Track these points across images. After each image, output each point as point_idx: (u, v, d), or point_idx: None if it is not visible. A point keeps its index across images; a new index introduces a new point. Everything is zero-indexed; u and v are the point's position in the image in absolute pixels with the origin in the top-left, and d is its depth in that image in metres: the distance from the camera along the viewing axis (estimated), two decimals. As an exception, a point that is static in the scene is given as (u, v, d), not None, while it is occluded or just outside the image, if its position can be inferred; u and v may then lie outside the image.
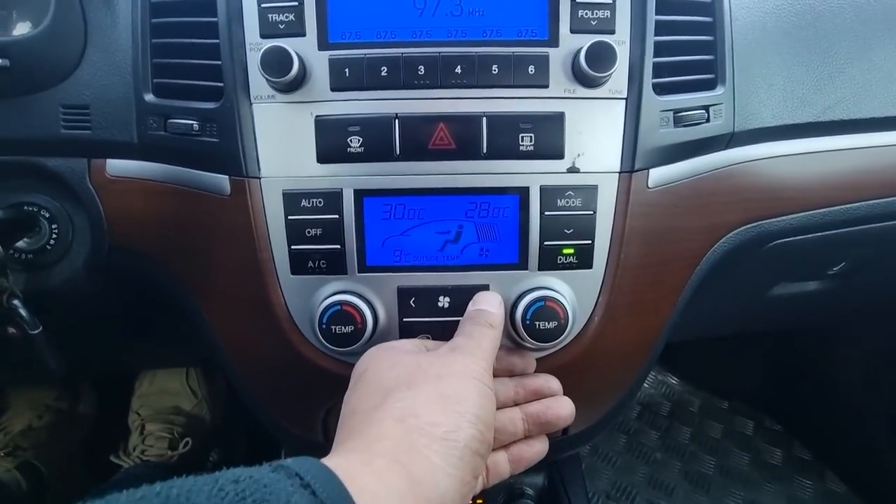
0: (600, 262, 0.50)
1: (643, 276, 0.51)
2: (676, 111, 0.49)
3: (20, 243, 0.54)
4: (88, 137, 0.51)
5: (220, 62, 0.47)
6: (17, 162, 0.53)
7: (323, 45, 0.46)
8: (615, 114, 0.48)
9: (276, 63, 0.44)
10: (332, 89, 0.46)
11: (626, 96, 0.48)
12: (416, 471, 0.33)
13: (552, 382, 0.49)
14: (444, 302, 0.49)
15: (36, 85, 0.50)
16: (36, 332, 0.53)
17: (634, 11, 0.47)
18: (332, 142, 0.46)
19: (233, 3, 0.46)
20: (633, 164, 0.48)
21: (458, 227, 0.49)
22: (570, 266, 0.49)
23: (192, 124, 0.48)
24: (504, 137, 0.47)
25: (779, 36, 0.55)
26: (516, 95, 0.47)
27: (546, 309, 0.48)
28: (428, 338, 0.49)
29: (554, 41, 0.47)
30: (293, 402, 0.59)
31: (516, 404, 0.48)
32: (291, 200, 0.47)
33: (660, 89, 0.49)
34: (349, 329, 0.48)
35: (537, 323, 0.48)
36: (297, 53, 0.44)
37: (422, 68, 0.46)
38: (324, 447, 0.59)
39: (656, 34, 0.48)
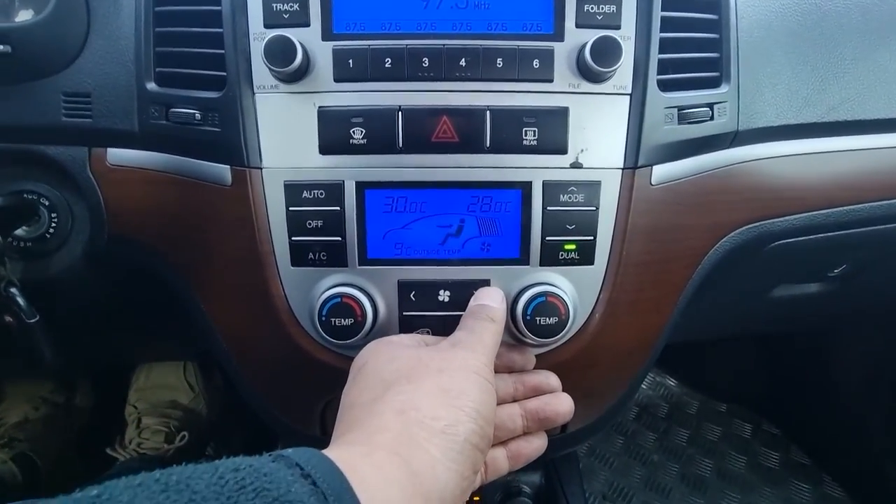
0: (602, 259, 0.49)
1: (645, 274, 0.51)
2: (681, 108, 0.49)
3: (19, 231, 0.54)
4: (89, 126, 0.50)
5: (223, 51, 0.47)
6: (17, 149, 0.52)
7: (327, 35, 0.46)
8: (619, 110, 0.48)
9: (279, 53, 0.43)
10: (336, 80, 0.46)
11: (630, 92, 0.48)
12: (415, 463, 0.32)
13: (551, 379, 0.49)
14: (444, 296, 0.49)
15: (37, 72, 0.50)
16: (33, 321, 0.52)
17: (640, 7, 0.47)
18: (334, 133, 0.46)
19: (237, -8, 0.46)
20: (636, 160, 0.48)
21: (460, 221, 0.48)
22: (571, 262, 0.49)
23: (194, 114, 0.48)
24: (507, 131, 0.46)
25: (784, 35, 0.55)
26: (520, 89, 0.47)
27: (547, 304, 0.48)
28: (428, 332, 0.49)
29: (559, 35, 0.46)
30: (291, 395, 0.59)
31: (515, 400, 0.48)
32: (293, 191, 0.47)
33: (664, 86, 0.48)
34: (349, 322, 0.47)
35: (538, 318, 0.48)
36: (300, 43, 0.44)
37: (426, 60, 0.46)
38: (321, 441, 0.59)
39: (662, 30, 0.48)
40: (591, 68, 0.45)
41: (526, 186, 0.47)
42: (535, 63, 0.46)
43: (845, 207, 0.58)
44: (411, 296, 0.49)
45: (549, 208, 0.48)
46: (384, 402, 0.36)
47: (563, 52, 0.46)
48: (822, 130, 0.56)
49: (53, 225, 0.54)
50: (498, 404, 0.44)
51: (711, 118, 0.51)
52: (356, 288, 0.48)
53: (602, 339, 0.52)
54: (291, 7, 0.45)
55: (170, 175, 0.51)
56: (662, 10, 0.48)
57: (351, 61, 0.46)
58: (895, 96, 0.57)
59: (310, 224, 0.47)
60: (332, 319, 0.47)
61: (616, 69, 0.45)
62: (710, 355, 1.33)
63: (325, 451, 0.31)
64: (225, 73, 0.47)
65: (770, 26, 0.54)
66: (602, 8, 0.46)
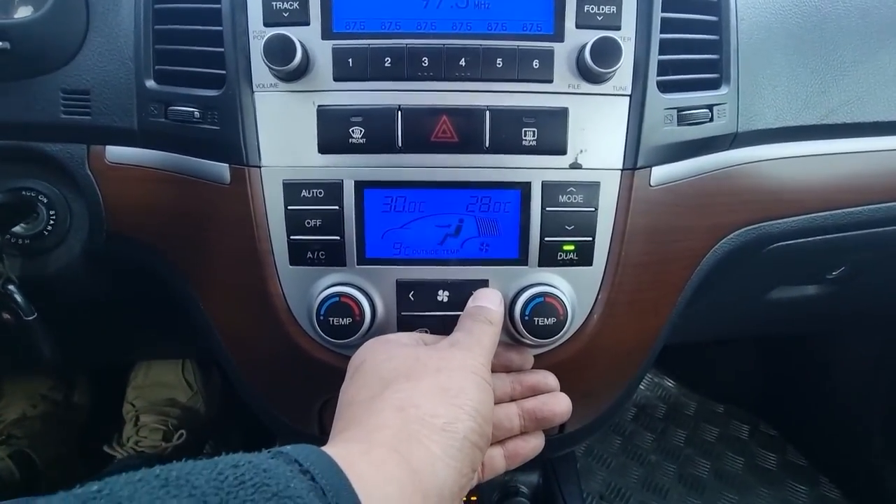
0: (601, 260, 0.49)
1: (643, 275, 0.51)
2: (680, 109, 0.49)
3: (17, 228, 0.53)
4: (88, 123, 0.50)
5: (222, 49, 0.47)
6: (15, 146, 0.52)
7: (327, 34, 0.46)
8: (619, 110, 0.48)
9: (278, 51, 0.43)
10: (335, 79, 0.46)
11: (630, 93, 0.47)
12: (415, 460, 0.32)
13: (549, 379, 0.49)
14: (442, 296, 0.49)
15: (36, 69, 0.50)
16: (31, 318, 0.52)
17: (640, 8, 0.47)
18: (333, 132, 0.46)
19: (237, -9, 0.46)
20: (635, 161, 0.48)
21: (459, 221, 0.48)
22: (570, 263, 0.49)
23: (193, 112, 0.48)
24: (507, 132, 0.46)
25: (784, 37, 0.55)
26: (520, 90, 0.47)
27: (545, 305, 0.48)
28: (426, 331, 0.49)
29: (559, 36, 0.46)
30: (289, 394, 0.59)
31: (513, 400, 0.48)
32: (291, 190, 0.47)
33: (664, 87, 0.48)
34: (347, 321, 0.47)
35: (536, 319, 0.48)
36: (300, 42, 0.44)
37: (426, 60, 0.46)
38: (319, 440, 0.59)
39: (662, 31, 0.48)
40: (590, 69, 0.45)
41: (525, 187, 0.47)
42: (535, 63, 0.46)
43: (844, 210, 0.58)
44: (410, 296, 0.49)
45: (547, 209, 0.48)
46: (383, 400, 0.36)
47: (562, 52, 0.46)
48: (822, 132, 0.56)
49: (52, 222, 0.54)
50: (495, 403, 0.44)
51: (711, 120, 0.51)
52: (354, 287, 0.48)
53: (600, 340, 0.52)
54: (291, 5, 0.45)
55: (168, 173, 0.51)
56: (663, 12, 0.47)
57: (350, 60, 0.46)
58: (895, 99, 0.57)
59: (308, 223, 0.47)
60: (331, 319, 0.47)
61: (616, 70, 0.45)
62: (708, 356, 1.33)
63: (324, 448, 0.31)
64: (224, 72, 0.47)
65: (770, 28, 0.54)
66: (602, 9, 0.46)
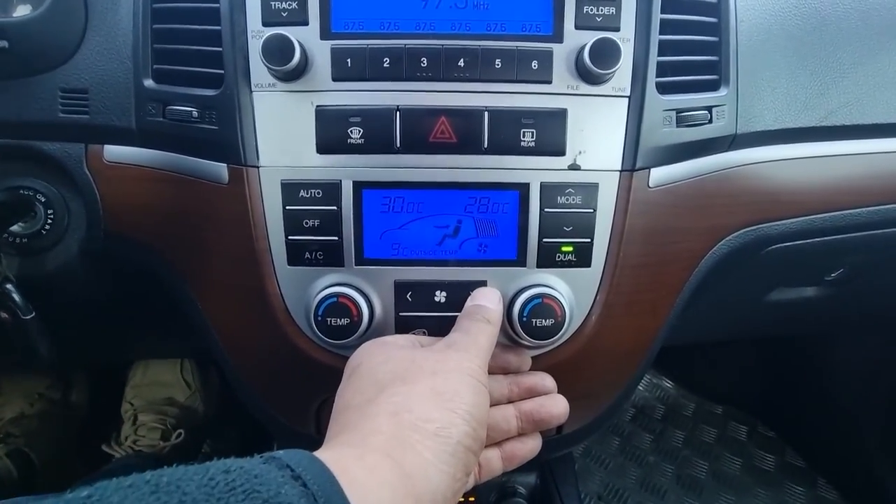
0: (599, 261, 0.49)
1: (642, 276, 0.51)
2: (679, 111, 0.49)
3: (15, 227, 0.53)
4: (86, 122, 0.50)
5: (221, 49, 0.47)
6: (13, 145, 0.52)
7: (325, 34, 0.46)
8: (618, 112, 0.47)
9: (277, 51, 0.43)
10: (334, 79, 0.46)
11: (629, 94, 0.47)
12: (408, 466, 0.32)
13: (547, 380, 0.49)
14: (440, 297, 0.49)
15: (35, 68, 0.50)
16: (28, 317, 0.52)
17: (640, 9, 0.47)
18: (332, 132, 0.46)
19: (235, -10, 0.46)
20: (634, 162, 0.48)
21: (457, 222, 0.48)
22: (568, 264, 0.49)
23: (192, 111, 0.48)
24: (505, 133, 0.46)
25: (784, 39, 0.55)
26: (519, 90, 0.47)
27: (543, 306, 0.48)
28: (424, 333, 0.49)
29: (558, 37, 0.46)
30: (286, 394, 0.59)
31: (510, 402, 0.48)
32: (290, 191, 0.47)
33: (663, 88, 0.48)
34: (345, 321, 0.47)
35: (534, 320, 0.48)
36: (298, 42, 0.44)
37: (424, 60, 0.46)
38: (316, 440, 0.59)
39: (661, 33, 0.48)
40: (589, 70, 0.45)
41: (523, 188, 0.47)
42: (534, 64, 0.46)
43: (843, 212, 0.58)
44: (408, 296, 0.49)
45: (546, 210, 0.48)
46: (378, 405, 0.36)
47: (562, 53, 0.46)
48: (821, 134, 0.56)
49: (49, 221, 0.54)
50: (492, 405, 0.44)
51: (710, 121, 0.51)
52: (352, 288, 0.48)
53: (598, 342, 0.52)
54: (290, 5, 0.45)
55: (167, 172, 0.51)
56: (662, 13, 0.47)
57: (349, 60, 0.46)
58: (894, 101, 0.57)
59: (306, 223, 0.47)
60: (328, 319, 0.47)
61: (615, 71, 0.45)
62: (706, 358, 1.33)
63: (318, 453, 0.31)
64: (223, 71, 0.47)
65: (769, 30, 0.54)
66: (601, 9, 0.46)
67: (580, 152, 0.47)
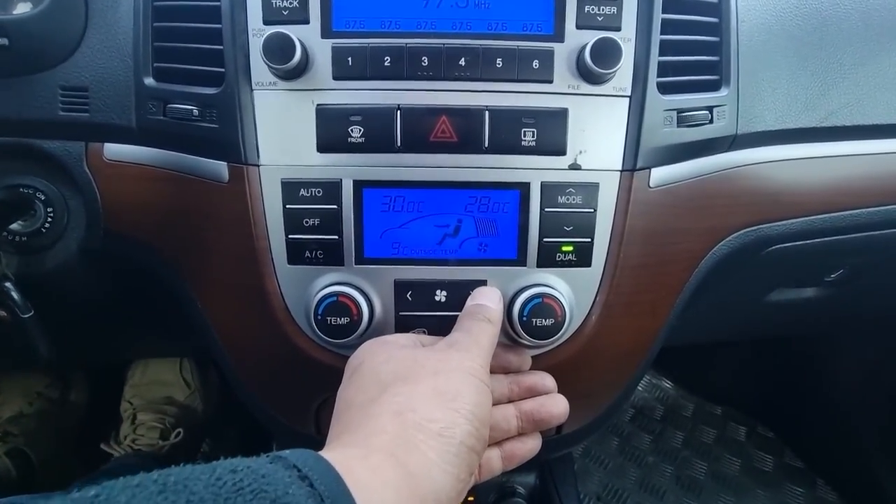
0: (599, 261, 0.49)
1: (642, 276, 0.51)
2: (680, 111, 0.49)
3: (14, 225, 0.53)
4: (86, 120, 0.50)
5: (221, 47, 0.47)
6: (13, 143, 0.52)
7: (326, 32, 0.46)
8: (619, 111, 0.47)
9: (278, 49, 0.43)
10: (335, 78, 0.46)
11: (630, 94, 0.47)
12: (412, 466, 0.32)
13: (547, 380, 0.49)
14: (440, 296, 0.49)
15: (35, 65, 0.50)
16: (27, 316, 0.52)
17: (641, 9, 0.47)
18: (332, 131, 0.46)
19: (236, -12, 0.46)
20: (635, 162, 0.48)
21: (458, 222, 0.48)
22: (568, 264, 0.49)
23: (192, 109, 0.48)
24: (506, 132, 0.46)
25: (785, 39, 0.55)
26: (520, 90, 0.46)
27: (543, 306, 0.47)
28: (424, 332, 0.49)
29: (559, 36, 0.46)
30: (286, 393, 0.58)
31: (510, 401, 0.48)
32: (290, 189, 0.47)
33: (664, 88, 0.48)
34: (345, 321, 0.47)
35: (534, 320, 0.48)
36: (299, 40, 0.44)
37: (425, 59, 0.45)
38: (316, 440, 0.59)
39: (662, 33, 0.48)
40: (590, 70, 0.45)
41: (524, 187, 0.47)
42: (535, 63, 0.46)
43: (844, 212, 0.58)
44: (408, 295, 0.49)
45: (546, 209, 0.48)
46: (381, 404, 0.36)
47: (562, 52, 0.46)
48: (822, 135, 0.56)
49: (49, 220, 0.54)
50: (493, 405, 0.44)
51: (710, 121, 0.50)
52: (352, 287, 0.48)
53: (598, 342, 0.52)
54: (291, 4, 0.45)
55: (167, 171, 0.51)
56: (663, 13, 0.47)
57: (350, 59, 0.46)
58: (895, 102, 0.57)
59: (307, 222, 0.47)
60: (328, 318, 0.47)
61: (616, 71, 0.45)
62: (706, 358, 1.33)
63: (322, 453, 0.31)
64: (223, 70, 0.47)
65: (770, 30, 0.54)
66: (602, 9, 0.46)
67: (581, 152, 0.47)
